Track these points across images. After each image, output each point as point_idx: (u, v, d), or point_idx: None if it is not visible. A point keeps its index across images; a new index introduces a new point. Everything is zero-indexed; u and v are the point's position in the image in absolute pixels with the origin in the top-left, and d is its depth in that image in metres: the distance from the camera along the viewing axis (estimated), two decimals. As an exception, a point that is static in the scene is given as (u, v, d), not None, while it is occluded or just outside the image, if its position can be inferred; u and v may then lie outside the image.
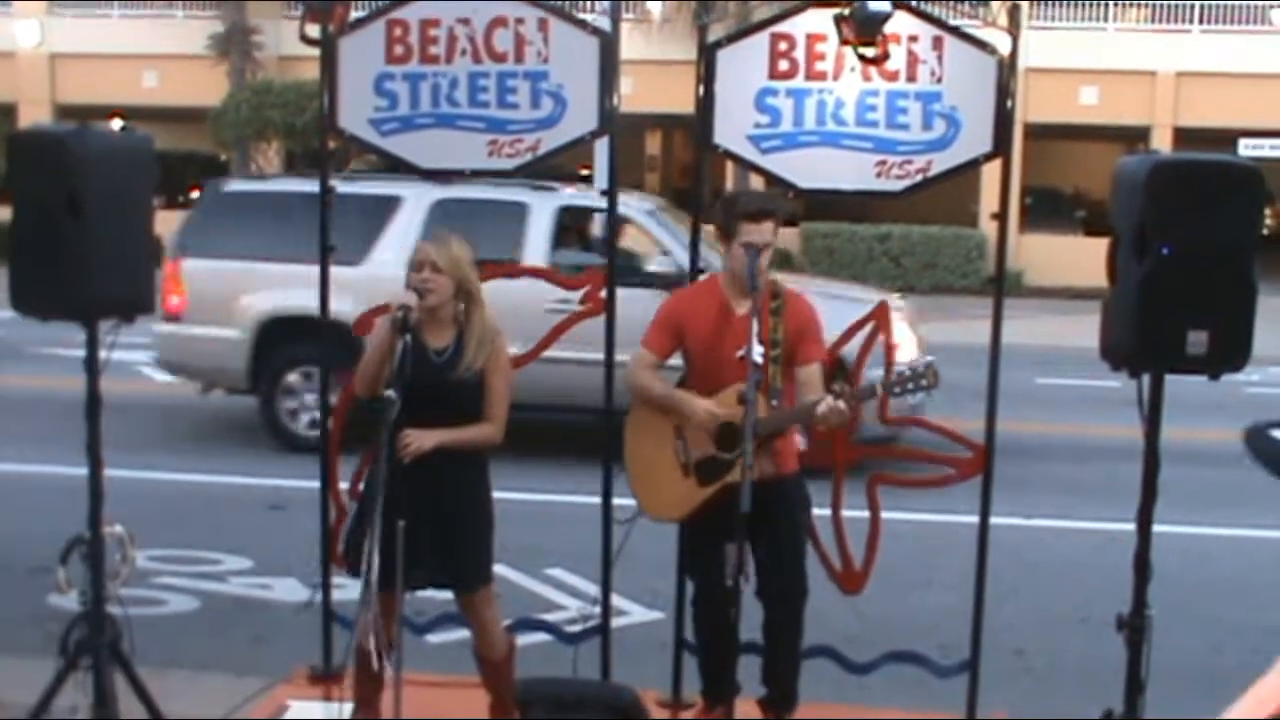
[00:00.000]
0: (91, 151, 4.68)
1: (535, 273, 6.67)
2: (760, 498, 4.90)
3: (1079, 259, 26.02)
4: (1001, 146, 5.56)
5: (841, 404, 4.92)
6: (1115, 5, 31.43)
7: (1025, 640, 7.42)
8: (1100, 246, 4.84)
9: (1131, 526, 4.84)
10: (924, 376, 4.99)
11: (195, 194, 33.42)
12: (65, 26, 33.41)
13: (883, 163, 5.61)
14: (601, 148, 6.30)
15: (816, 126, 5.62)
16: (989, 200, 28.76)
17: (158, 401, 14.31)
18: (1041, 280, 27.34)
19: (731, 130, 5.68)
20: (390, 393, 4.75)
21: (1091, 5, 31.06)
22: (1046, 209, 30.55)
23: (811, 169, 5.63)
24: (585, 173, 30.20)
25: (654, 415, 5.46)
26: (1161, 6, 31.40)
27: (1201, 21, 31.06)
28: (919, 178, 5.62)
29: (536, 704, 4.74)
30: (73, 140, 4.64)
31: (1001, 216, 5.63)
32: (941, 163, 5.60)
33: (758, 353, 4.86)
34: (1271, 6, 30.66)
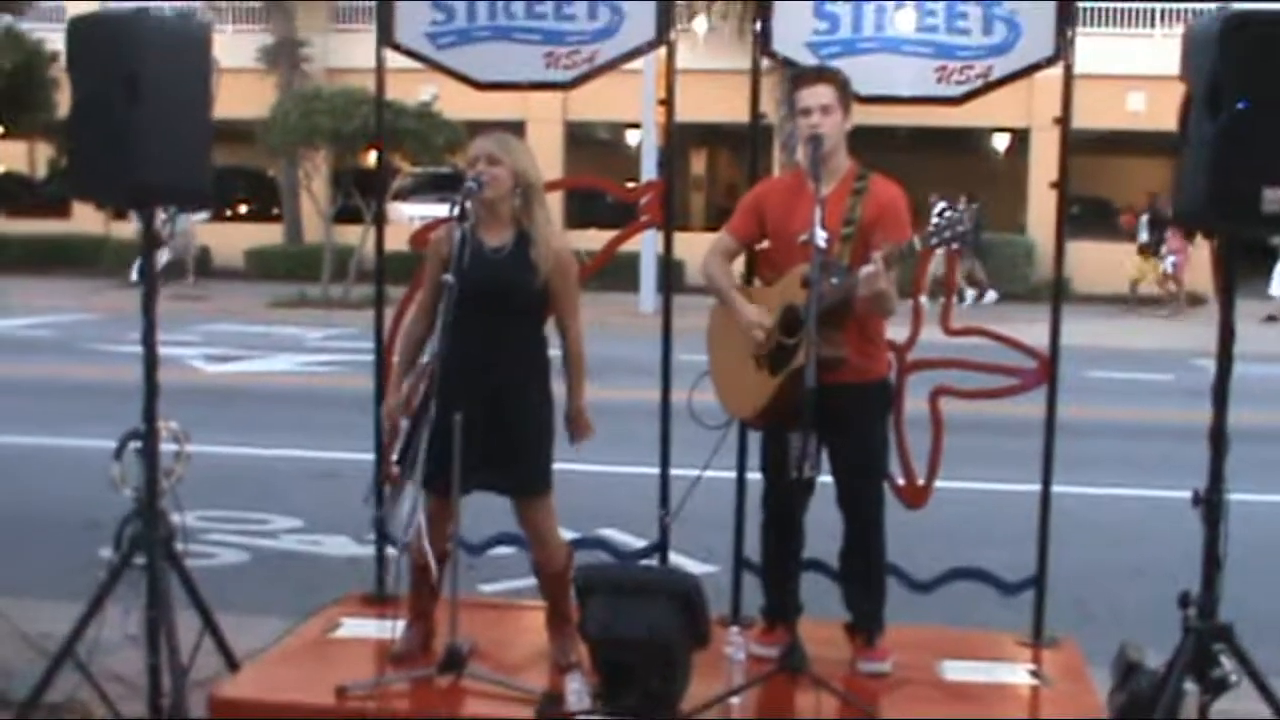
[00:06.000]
0: (149, 34, 4.61)
1: (594, 183, 6.63)
2: (838, 401, 4.81)
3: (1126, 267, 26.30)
4: (1062, 51, 5.47)
5: (877, 265, 4.73)
6: (1160, 13, 31.32)
7: (1085, 591, 7.28)
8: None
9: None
10: (959, 222, 4.79)
11: (242, 208, 33.64)
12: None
13: (943, 68, 5.55)
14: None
15: (875, 33, 5.57)
16: (1036, 209, 28.63)
17: (210, 387, 14.50)
18: (1089, 288, 27.02)
19: (791, 37, 5.63)
20: (448, 277, 4.69)
21: (1136, 12, 30.99)
22: (1093, 218, 30.40)
23: (871, 76, 5.54)
24: (631, 185, 30.19)
25: None
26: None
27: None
28: (979, 83, 5.55)
29: (595, 591, 4.62)
30: (131, 22, 4.57)
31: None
32: (1002, 67, 5.54)
33: (821, 237, 4.74)
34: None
